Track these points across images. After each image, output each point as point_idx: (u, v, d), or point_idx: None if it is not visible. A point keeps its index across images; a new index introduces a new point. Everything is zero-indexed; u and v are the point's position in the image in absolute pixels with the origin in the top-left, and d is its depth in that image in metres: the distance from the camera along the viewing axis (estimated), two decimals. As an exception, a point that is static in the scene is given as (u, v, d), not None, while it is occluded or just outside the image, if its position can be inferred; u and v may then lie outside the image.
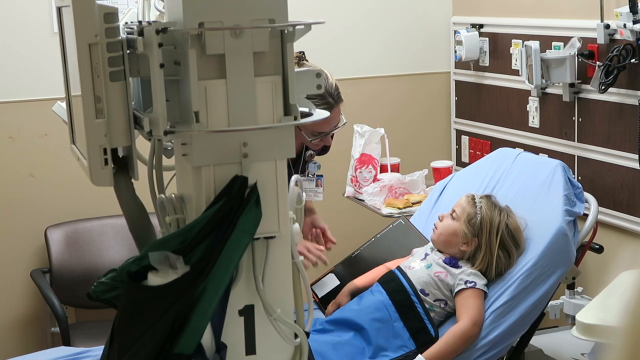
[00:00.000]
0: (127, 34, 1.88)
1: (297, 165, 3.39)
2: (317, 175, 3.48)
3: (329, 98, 3.09)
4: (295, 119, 1.86)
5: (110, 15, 1.82)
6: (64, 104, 2.43)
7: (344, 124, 3.26)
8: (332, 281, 3.36)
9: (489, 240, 3.10)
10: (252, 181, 1.82)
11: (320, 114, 1.97)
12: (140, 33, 1.79)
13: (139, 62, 1.86)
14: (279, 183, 1.88)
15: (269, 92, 1.84)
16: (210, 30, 1.77)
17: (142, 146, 2.00)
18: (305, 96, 1.94)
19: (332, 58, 4.51)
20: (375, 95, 4.75)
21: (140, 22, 2.06)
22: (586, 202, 3.36)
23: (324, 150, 3.39)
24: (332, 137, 3.31)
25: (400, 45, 4.78)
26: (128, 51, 1.86)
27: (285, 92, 1.85)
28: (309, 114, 1.95)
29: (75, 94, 1.97)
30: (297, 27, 1.84)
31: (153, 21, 2.08)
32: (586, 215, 3.35)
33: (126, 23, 1.98)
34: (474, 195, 3.22)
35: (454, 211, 3.20)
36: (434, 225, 3.25)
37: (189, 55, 1.76)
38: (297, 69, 1.88)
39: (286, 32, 1.83)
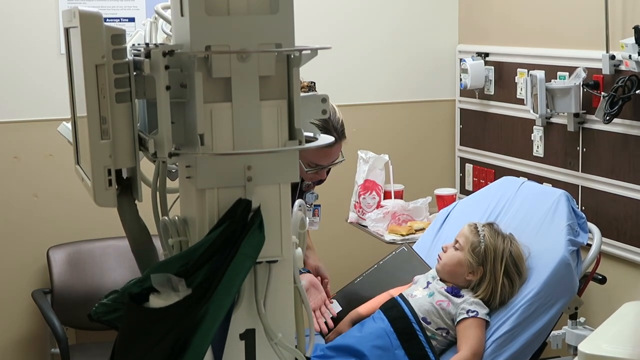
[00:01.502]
0: (134, 55, 1.88)
1: (294, 195, 3.38)
2: (314, 205, 3.48)
3: (334, 133, 3.08)
4: (300, 143, 1.85)
5: (118, 37, 1.83)
6: (69, 125, 2.43)
7: (341, 161, 3.26)
8: (334, 307, 3.35)
9: (493, 268, 3.10)
10: (256, 205, 1.82)
11: (325, 139, 1.97)
12: (147, 55, 1.80)
13: (145, 84, 1.87)
14: (283, 207, 1.88)
15: (274, 116, 1.84)
16: (216, 53, 1.78)
17: (146, 168, 2.00)
18: (310, 121, 1.94)
19: (338, 84, 4.53)
20: (380, 122, 4.76)
21: (147, 44, 2.07)
22: (590, 232, 3.36)
23: (321, 181, 3.39)
24: (327, 172, 3.31)
25: (406, 72, 4.79)
26: (135, 73, 1.86)
27: (291, 117, 1.85)
28: (314, 139, 1.95)
29: (81, 115, 1.97)
30: (304, 52, 1.84)
31: (160, 44, 2.09)
32: (589, 246, 3.34)
33: (133, 45, 1.99)
34: (476, 224, 3.21)
35: (457, 242, 3.19)
36: (438, 256, 3.24)
37: (195, 78, 1.77)
38: (302, 94, 1.88)
39: (292, 56, 1.83)
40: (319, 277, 3.39)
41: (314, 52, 1.86)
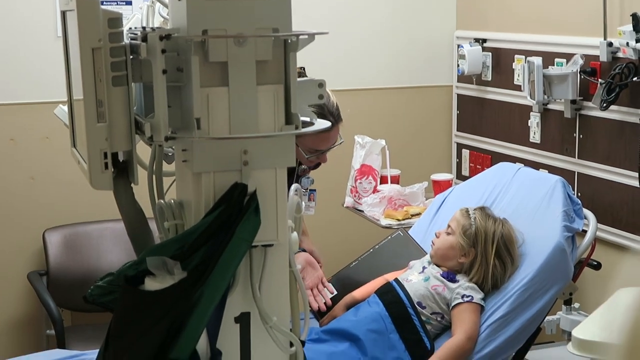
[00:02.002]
0: (131, 39, 1.89)
1: (291, 179, 3.38)
2: (310, 190, 3.48)
3: (330, 117, 3.08)
4: (297, 128, 1.86)
5: (115, 20, 1.83)
6: (65, 108, 2.43)
7: (340, 143, 3.27)
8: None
9: (484, 249, 3.11)
10: (252, 189, 1.82)
11: (321, 123, 1.98)
12: (144, 39, 1.80)
13: (142, 67, 1.87)
14: (279, 191, 1.89)
15: (270, 101, 1.85)
16: (213, 37, 1.78)
17: (143, 151, 2.00)
18: (307, 106, 1.94)
19: (336, 69, 4.53)
20: (377, 107, 4.76)
21: (144, 28, 2.07)
22: (585, 218, 3.37)
23: (317, 165, 3.40)
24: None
25: (403, 57, 4.79)
26: (131, 57, 1.87)
27: (287, 101, 1.85)
28: (311, 124, 1.95)
29: (77, 98, 1.97)
30: (301, 37, 1.84)
31: (157, 27, 2.09)
32: (585, 232, 3.35)
33: (130, 29, 1.99)
34: (467, 209, 3.23)
35: (449, 226, 3.21)
36: (432, 242, 3.25)
37: (192, 62, 1.77)
38: (299, 79, 1.88)
39: (289, 41, 1.84)
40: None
41: (312, 37, 1.86)
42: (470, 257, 3.13)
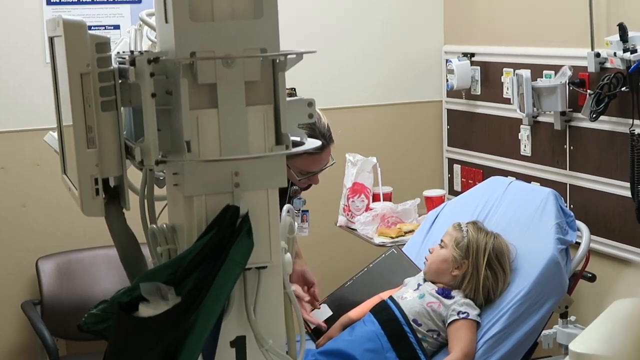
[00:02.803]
0: (119, 63, 1.88)
1: (283, 200, 3.36)
2: (302, 211, 3.47)
3: (321, 138, 3.07)
4: (287, 148, 1.85)
5: (102, 45, 1.82)
6: (55, 134, 2.42)
7: (332, 164, 3.26)
8: (325, 312, 3.34)
9: (475, 261, 3.11)
10: (244, 211, 1.81)
11: (312, 143, 1.97)
12: (132, 63, 1.79)
13: (131, 91, 1.86)
14: (271, 212, 1.88)
15: (260, 122, 1.84)
16: (202, 59, 1.77)
17: (134, 176, 1.99)
18: (297, 125, 1.93)
19: (325, 88, 4.53)
20: (368, 124, 4.76)
21: (132, 51, 2.06)
22: (578, 230, 3.36)
23: (309, 186, 3.38)
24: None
25: (392, 74, 4.79)
26: (120, 81, 1.86)
27: (277, 121, 1.85)
28: (301, 143, 1.95)
29: (67, 124, 1.96)
30: (289, 56, 1.84)
31: (145, 51, 2.08)
32: (578, 244, 3.35)
33: (118, 53, 1.98)
34: (460, 223, 3.23)
35: (442, 241, 3.21)
36: (425, 258, 3.24)
37: (181, 84, 1.76)
38: (288, 99, 1.87)
39: (278, 61, 1.83)
40: (305, 287, 3.35)
41: (299, 56, 1.86)
42: (463, 269, 3.13)
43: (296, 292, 3.19)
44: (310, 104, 1.93)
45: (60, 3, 4.15)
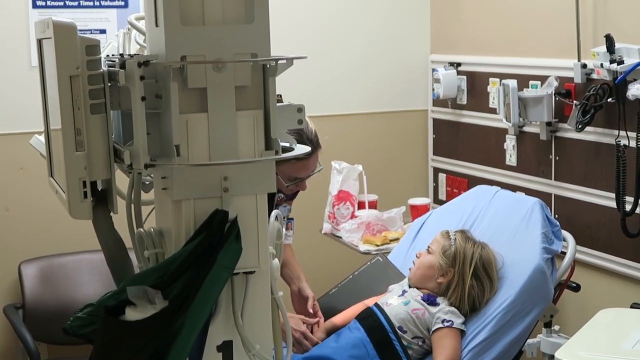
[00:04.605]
0: (109, 66, 1.87)
1: (270, 207, 3.35)
2: (287, 219, 3.46)
3: (309, 144, 3.06)
4: (277, 153, 1.85)
5: (92, 47, 1.81)
6: (41, 138, 2.40)
7: (319, 170, 3.25)
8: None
9: (462, 270, 3.11)
10: (233, 215, 1.81)
11: (301, 149, 1.97)
12: (122, 66, 1.78)
13: (120, 94, 1.85)
14: (260, 218, 1.87)
15: (250, 127, 1.83)
16: (192, 63, 1.77)
17: (120, 182, 1.98)
18: (286, 131, 1.93)
19: (312, 95, 4.53)
20: (354, 132, 4.76)
21: (121, 54, 2.05)
22: (564, 240, 3.37)
23: (295, 195, 3.38)
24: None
25: (378, 83, 4.80)
26: (109, 84, 1.85)
27: (267, 127, 1.84)
28: (290, 149, 1.94)
29: (55, 127, 1.95)
30: (280, 61, 1.84)
31: (134, 54, 2.07)
32: (564, 254, 3.35)
33: (108, 56, 1.97)
34: (448, 231, 3.24)
35: (429, 247, 3.22)
36: (412, 262, 3.25)
37: (171, 88, 1.75)
38: (278, 104, 1.87)
39: (268, 66, 1.83)
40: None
41: (290, 61, 1.86)
42: (448, 277, 3.13)
43: (303, 320, 3.20)
44: (300, 109, 1.93)
45: (46, 7, 4.13)
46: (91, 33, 4.18)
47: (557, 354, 2.54)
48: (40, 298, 4.11)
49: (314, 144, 3.14)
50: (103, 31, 4.21)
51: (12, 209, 4.20)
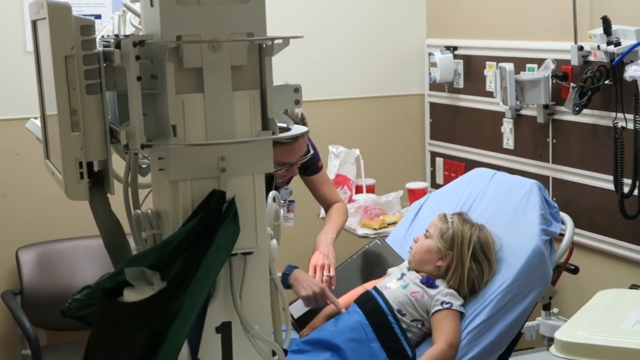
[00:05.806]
0: (104, 47, 1.86)
1: (269, 189, 3.34)
2: (288, 201, 3.46)
3: None
4: (274, 133, 1.84)
5: (87, 27, 1.80)
6: (37, 122, 2.40)
7: (310, 155, 3.24)
8: (299, 307, 3.32)
9: (460, 252, 3.11)
10: (230, 196, 1.80)
11: (298, 129, 1.96)
12: (117, 46, 1.77)
13: (116, 75, 1.84)
14: (257, 198, 1.86)
15: (247, 106, 1.83)
16: (187, 43, 1.76)
17: (117, 165, 1.97)
18: (283, 111, 1.92)
19: (308, 80, 4.51)
20: (351, 117, 4.75)
21: (117, 35, 2.04)
22: (562, 222, 3.36)
23: (289, 180, 3.37)
24: (298, 167, 3.29)
25: (375, 67, 4.79)
26: (105, 64, 1.84)
27: (264, 107, 1.84)
28: (287, 129, 1.94)
29: (50, 109, 1.94)
30: (276, 41, 1.83)
31: (130, 34, 2.06)
32: (562, 236, 3.35)
33: (102, 36, 1.96)
34: (445, 214, 3.23)
35: (427, 231, 3.21)
36: (410, 247, 3.24)
37: (167, 68, 1.75)
38: (275, 84, 1.86)
39: (264, 46, 1.82)
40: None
41: (286, 41, 1.85)
42: (447, 260, 3.13)
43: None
44: (297, 89, 1.92)
45: (41, -8, 4.11)
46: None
47: (556, 334, 2.54)
48: (38, 284, 4.11)
49: None
50: (98, 16, 4.19)
51: (9, 195, 4.19)
